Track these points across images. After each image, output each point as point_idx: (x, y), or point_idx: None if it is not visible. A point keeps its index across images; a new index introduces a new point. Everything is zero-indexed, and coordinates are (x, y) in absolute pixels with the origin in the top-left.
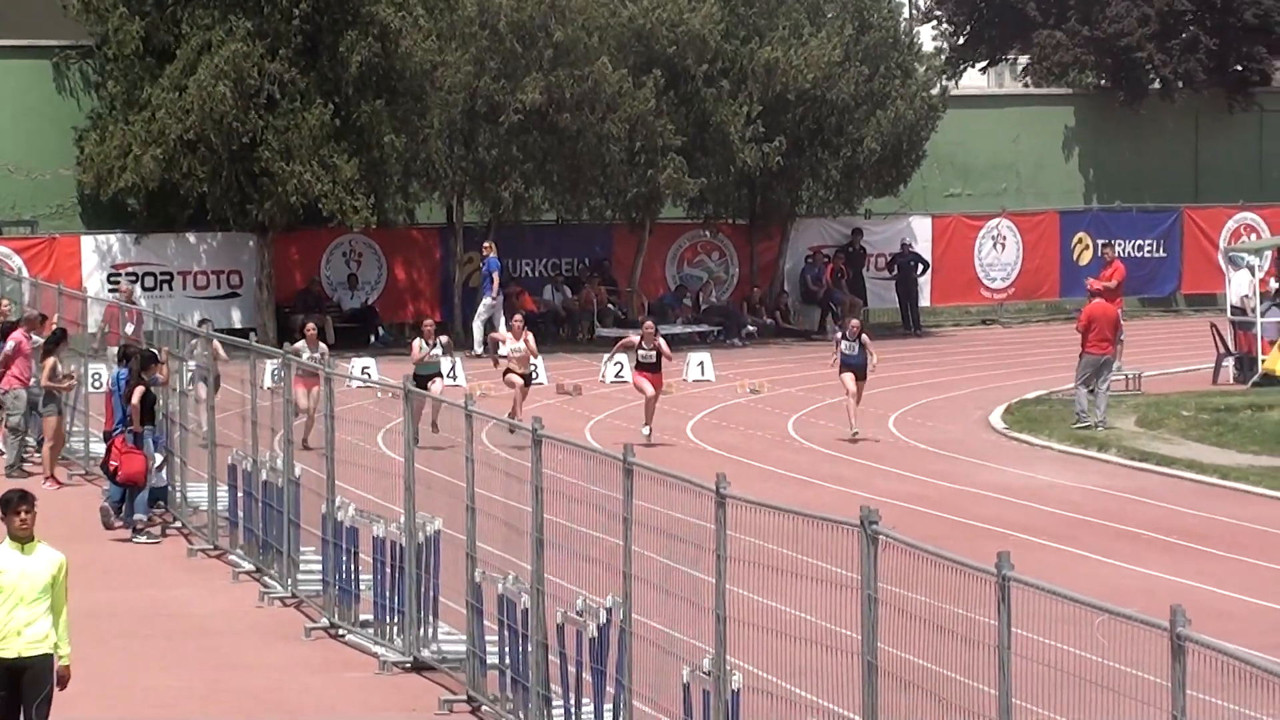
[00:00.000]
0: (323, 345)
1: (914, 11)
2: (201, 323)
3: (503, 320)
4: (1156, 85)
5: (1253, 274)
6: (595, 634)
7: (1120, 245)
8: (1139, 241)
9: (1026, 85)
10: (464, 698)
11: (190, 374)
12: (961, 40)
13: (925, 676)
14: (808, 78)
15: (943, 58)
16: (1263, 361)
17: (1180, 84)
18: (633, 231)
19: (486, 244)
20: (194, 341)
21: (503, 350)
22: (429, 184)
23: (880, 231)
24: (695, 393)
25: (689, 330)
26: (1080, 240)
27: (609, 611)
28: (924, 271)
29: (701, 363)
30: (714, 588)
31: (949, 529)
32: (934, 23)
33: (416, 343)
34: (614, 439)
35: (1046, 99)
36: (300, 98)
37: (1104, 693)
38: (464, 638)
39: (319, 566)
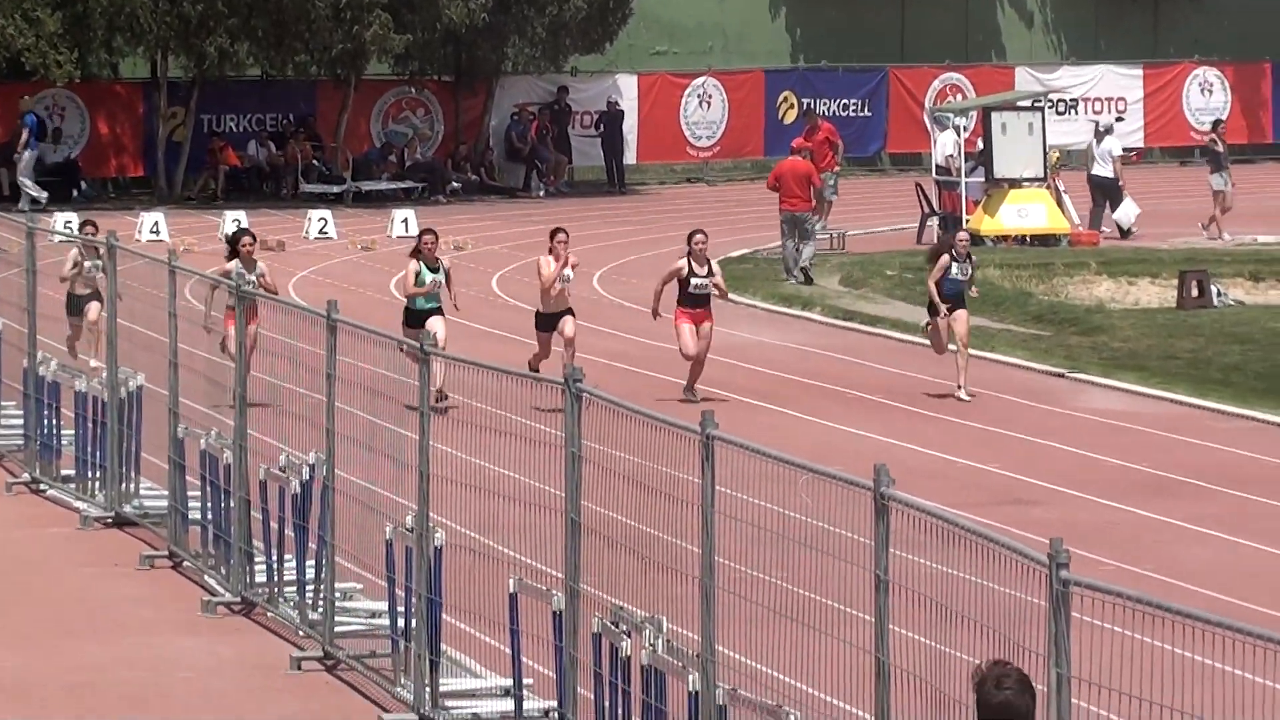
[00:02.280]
0: (261, 264)
1: None
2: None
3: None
4: None
5: (958, 134)
6: (298, 490)
7: (826, 105)
8: (844, 101)
9: None
10: (165, 553)
11: None
12: None
13: (629, 534)
14: None
15: None
16: (967, 221)
17: None
18: (338, 88)
19: (25, 97)
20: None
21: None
22: (133, 38)
23: (586, 89)
24: (401, 249)
25: (394, 187)
26: (785, 99)
27: (312, 468)
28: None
29: (406, 219)
30: (417, 444)
31: (655, 387)
32: None
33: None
34: (318, 295)
35: None
36: None
37: (808, 551)
38: (166, 493)
39: (20, 422)
